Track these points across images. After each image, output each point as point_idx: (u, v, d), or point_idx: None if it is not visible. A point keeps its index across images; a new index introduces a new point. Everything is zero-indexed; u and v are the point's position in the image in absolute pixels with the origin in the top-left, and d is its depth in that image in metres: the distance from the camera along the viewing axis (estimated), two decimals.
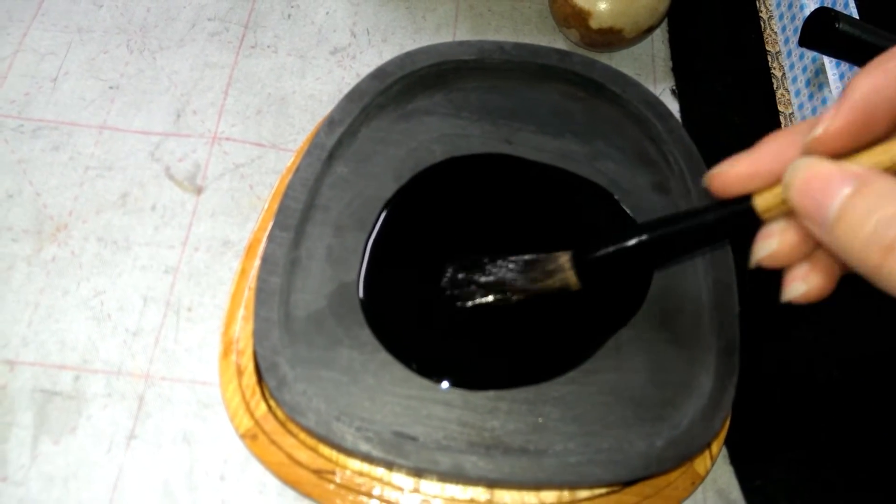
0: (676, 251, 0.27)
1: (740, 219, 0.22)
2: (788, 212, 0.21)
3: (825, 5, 0.41)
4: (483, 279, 0.30)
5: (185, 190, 0.37)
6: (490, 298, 0.30)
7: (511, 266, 0.30)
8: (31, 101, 0.39)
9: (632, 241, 0.26)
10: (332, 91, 0.40)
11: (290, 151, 0.38)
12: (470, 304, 0.30)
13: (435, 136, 0.35)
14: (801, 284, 0.22)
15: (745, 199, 0.22)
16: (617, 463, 0.28)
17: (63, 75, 0.40)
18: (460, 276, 0.31)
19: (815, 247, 0.22)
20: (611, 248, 0.27)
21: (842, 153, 0.20)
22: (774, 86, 0.42)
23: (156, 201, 0.36)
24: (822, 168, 0.19)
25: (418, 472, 0.29)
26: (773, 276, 0.37)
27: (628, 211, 0.34)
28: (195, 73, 0.40)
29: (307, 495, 0.29)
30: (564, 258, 0.28)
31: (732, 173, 0.22)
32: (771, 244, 0.22)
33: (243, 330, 0.31)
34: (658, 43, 0.43)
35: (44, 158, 0.37)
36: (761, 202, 0.22)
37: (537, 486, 0.29)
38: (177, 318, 0.34)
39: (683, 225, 0.25)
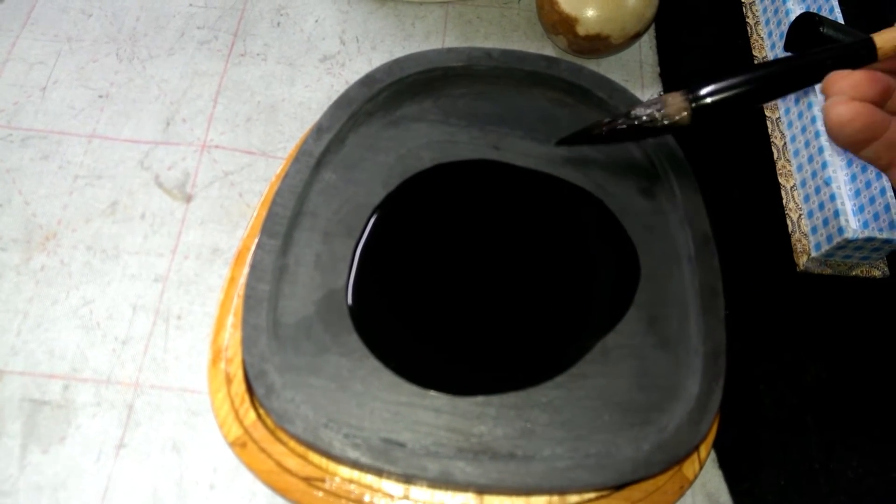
0: (791, 86, 0.28)
1: (860, 50, 0.25)
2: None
3: (810, 10, 0.42)
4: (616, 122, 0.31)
5: (175, 198, 0.37)
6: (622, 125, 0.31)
7: (629, 112, 0.31)
8: (20, 110, 0.39)
9: (752, 76, 0.27)
10: (321, 98, 0.40)
11: (280, 159, 0.38)
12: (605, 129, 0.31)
13: (423, 142, 0.35)
14: (842, 105, 0.24)
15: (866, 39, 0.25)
16: (605, 467, 0.28)
17: (52, 84, 0.40)
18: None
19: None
20: (733, 83, 0.27)
21: None
22: None
23: (145, 210, 0.36)
24: None
25: (407, 479, 0.29)
26: (759, 280, 0.37)
27: (615, 215, 0.34)
28: (185, 82, 0.40)
29: (297, 503, 0.29)
30: (678, 96, 0.29)
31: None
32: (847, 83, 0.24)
33: (232, 338, 0.31)
34: (646, 49, 0.44)
35: (33, 167, 0.37)
36: (879, 40, 0.25)
37: (526, 491, 0.29)
38: (166, 326, 0.34)
39: (800, 60, 0.26)
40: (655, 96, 0.30)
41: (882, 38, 0.25)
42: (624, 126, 0.30)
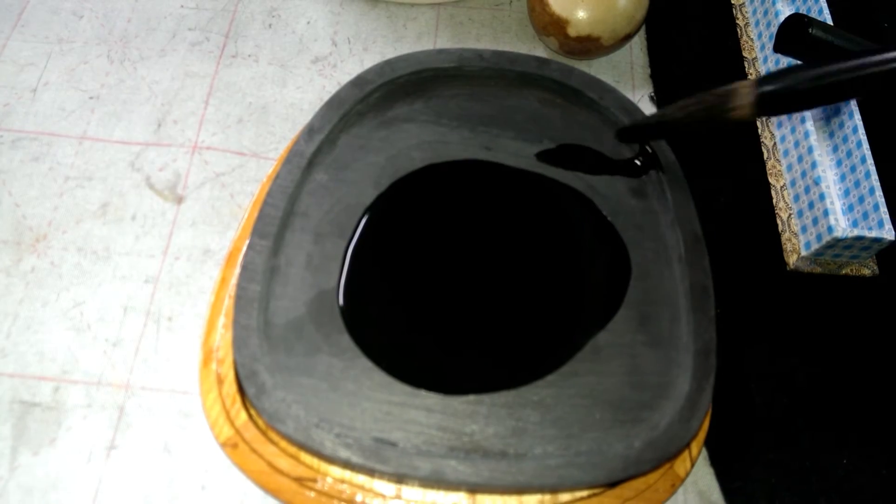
0: (860, 90, 0.26)
1: None
2: None
3: (799, 11, 0.42)
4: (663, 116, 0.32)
5: (166, 199, 0.37)
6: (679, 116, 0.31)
7: (685, 102, 0.30)
8: (10, 112, 0.39)
9: (828, 73, 0.25)
10: (312, 100, 0.40)
11: (271, 160, 0.38)
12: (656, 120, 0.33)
13: (414, 142, 0.35)
14: None
15: None
16: (596, 465, 0.28)
17: (43, 86, 0.40)
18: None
19: None
20: (804, 78, 0.26)
21: None
22: None
23: (136, 211, 0.36)
24: None
25: (399, 478, 0.29)
26: (749, 279, 0.37)
27: (606, 215, 0.34)
28: (176, 83, 0.40)
29: (289, 503, 0.29)
30: (745, 87, 0.27)
31: None
32: None
33: (223, 338, 0.31)
34: (637, 50, 0.44)
35: (23, 169, 0.37)
36: None
37: (517, 489, 0.29)
38: (157, 327, 0.34)
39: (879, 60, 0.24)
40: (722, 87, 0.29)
41: None
42: (700, 108, 0.30)
